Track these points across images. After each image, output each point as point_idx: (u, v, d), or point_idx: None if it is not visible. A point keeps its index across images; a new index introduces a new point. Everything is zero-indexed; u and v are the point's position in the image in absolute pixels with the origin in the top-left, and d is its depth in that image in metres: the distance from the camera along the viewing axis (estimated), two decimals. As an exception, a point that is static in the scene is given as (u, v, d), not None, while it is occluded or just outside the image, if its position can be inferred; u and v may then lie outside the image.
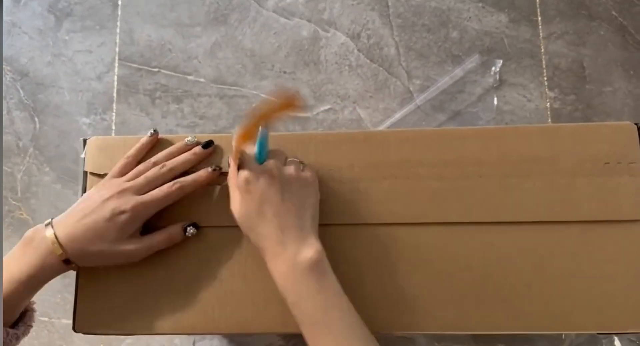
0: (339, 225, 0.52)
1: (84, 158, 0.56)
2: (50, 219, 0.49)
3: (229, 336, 0.86)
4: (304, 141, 0.54)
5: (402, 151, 0.52)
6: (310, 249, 0.45)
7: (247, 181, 0.46)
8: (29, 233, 0.49)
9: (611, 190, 0.51)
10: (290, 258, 0.45)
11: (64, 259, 0.48)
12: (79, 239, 0.48)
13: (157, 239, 0.51)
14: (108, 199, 0.50)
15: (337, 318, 0.44)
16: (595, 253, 0.50)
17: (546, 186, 0.51)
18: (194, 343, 0.86)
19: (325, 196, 0.52)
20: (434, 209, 0.51)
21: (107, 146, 0.56)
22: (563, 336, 0.81)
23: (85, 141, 0.56)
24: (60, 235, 0.48)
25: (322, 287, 0.44)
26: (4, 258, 0.48)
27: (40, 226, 0.49)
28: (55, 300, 0.89)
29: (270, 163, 0.48)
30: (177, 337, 0.87)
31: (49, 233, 0.48)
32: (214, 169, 0.53)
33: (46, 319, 0.89)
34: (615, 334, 0.69)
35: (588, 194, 0.51)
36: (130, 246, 0.50)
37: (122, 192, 0.50)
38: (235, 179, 0.48)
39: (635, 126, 0.52)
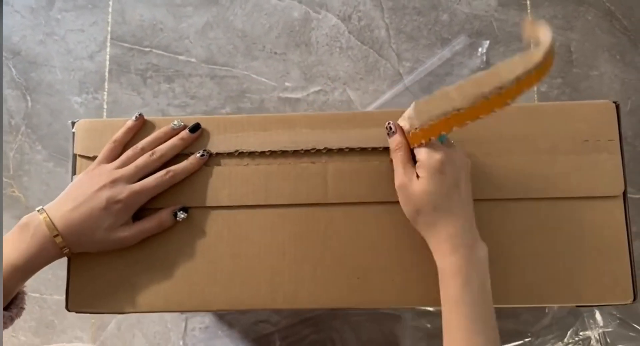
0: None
1: (73, 139, 0.56)
2: (41, 207, 0.50)
3: (219, 315, 0.88)
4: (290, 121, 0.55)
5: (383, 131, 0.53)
6: (483, 245, 0.46)
7: (442, 162, 0.46)
8: (24, 219, 0.49)
9: (590, 167, 0.52)
10: (467, 248, 0.45)
11: (62, 246, 0.49)
12: (75, 227, 0.49)
13: (149, 225, 0.52)
14: (101, 188, 0.50)
15: (489, 319, 0.45)
16: (573, 228, 0.51)
17: (526, 164, 0.52)
18: (185, 319, 0.88)
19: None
20: None
21: (95, 128, 0.56)
22: (546, 310, 0.83)
23: (73, 124, 0.57)
24: (57, 223, 0.49)
25: (485, 286, 0.46)
26: None
27: (35, 213, 0.50)
28: (46, 276, 0.90)
29: (456, 148, 0.48)
30: (168, 313, 0.88)
31: (45, 220, 0.49)
32: (202, 155, 0.54)
33: (38, 295, 0.90)
34: (595, 307, 0.70)
35: (567, 171, 0.52)
36: (123, 233, 0.51)
37: (114, 181, 0.51)
38: (406, 155, 0.48)
39: (614, 105, 0.53)
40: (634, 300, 0.50)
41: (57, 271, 0.89)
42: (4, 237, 0.49)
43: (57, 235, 0.49)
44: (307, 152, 0.53)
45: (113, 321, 0.88)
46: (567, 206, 0.51)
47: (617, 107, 0.53)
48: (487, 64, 0.90)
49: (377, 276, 0.51)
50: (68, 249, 0.50)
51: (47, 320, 0.90)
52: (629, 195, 0.86)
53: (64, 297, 0.53)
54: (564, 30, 0.92)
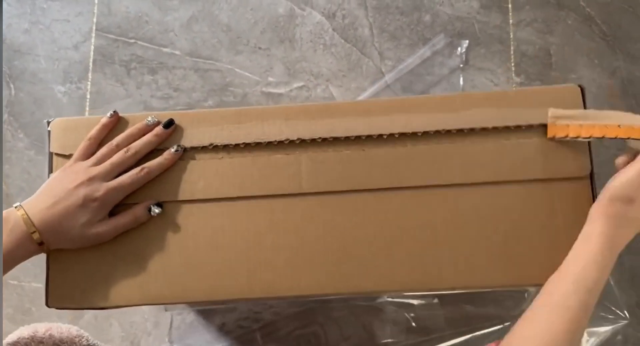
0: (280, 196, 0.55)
1: (49, 138, 0.57)
2: (19, 203, 0.51)
3: (203, 313, 0.89)
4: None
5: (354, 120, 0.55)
6: None
7: None
8: (3, 214, 0.50)
9: (557, 149, 0.53)
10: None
11: (40, 242, 0.50)
12: (52, 224, 0.50)
13: (124, 220, 0.54)
14: (78, 186, 0.52)
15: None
16: (543, 208, 0.53)
17: (495, 148, 0.54)
18: (171, 316, 0.89)
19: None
20: (390, 174, 0.54)
21: (70, 126, 0.57)
22: (526, 295, 0.85)
23: (48, 123, 0.57)
24: (34, 219, 0.50)
25: None
26: None
27: (12, 209, 0.51)
28: (26, 265, 0.90)
29: None
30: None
31: (23, 217, 0.50)
32: (177, 150, 0.55)
33: (16, 282, 0.91)
34: None
35: (535, 154, 0.54)
36: (99, 230, 0.53)
37: (91, 179, 0.52)
38: None
39: (579, 88, 0.54)
40: None
41: (36, 259, 0.90)
42: None
43: (34, 232, 0.50)
44: (280, 144, 0.54)
45: (90, 310, 0.89)
46: (536, 187, 0.53)
47: (582, 90, 0.54)
48: (467, 64, 0.92)
49: (351, 263, 0.53)
50: (45, 246, 0.51)
51: (24, 308, 0.90)
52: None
53: (42, 285, 0.54)
54: (544, 34, 0.93)
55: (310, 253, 0.53)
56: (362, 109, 0.55)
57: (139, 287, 0.54)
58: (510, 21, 0.94)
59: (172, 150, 0.55)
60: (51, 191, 0.52)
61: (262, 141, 0.54)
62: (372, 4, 0.95)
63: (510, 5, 0.94)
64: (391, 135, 0.54)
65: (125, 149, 0.54)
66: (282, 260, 0.53)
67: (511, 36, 0.93)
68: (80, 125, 0.56)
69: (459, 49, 0.91)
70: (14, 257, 0.50)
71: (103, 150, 0.55)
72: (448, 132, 0.54)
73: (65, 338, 0.57)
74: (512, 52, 0.93)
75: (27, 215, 0.50)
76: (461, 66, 0.90)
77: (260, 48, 0.95)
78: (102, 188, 0.52)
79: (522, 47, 0.93)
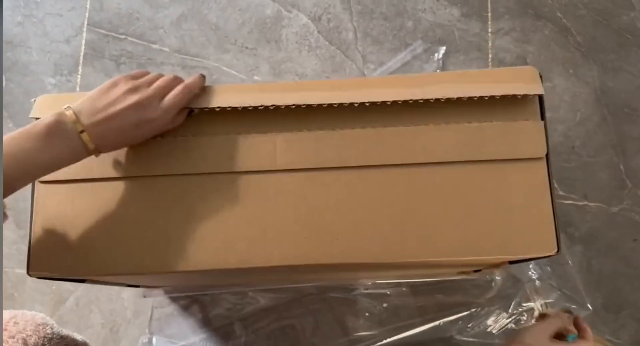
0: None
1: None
2: (70, 108, 0.51)
3: (183, 305, 0.91)
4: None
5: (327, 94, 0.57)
6: None
7: None
8: (52, 122, 0.49)
9: (514, 132, 0.56)
10: None
11: (88, 143, 0.51)
12: (109, 140, 0.52)
13: (176, 96, 0.55)
14: (135, 105, 0.52)
15: None
16: (500, 187, 0.55)
17: (455, 130, 0.56)
18: (152, 308, 0.91)
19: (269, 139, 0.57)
20: (360, 153, 0.57)
21: (54, 100, 0.59)
22: (493, 284, 0.88)
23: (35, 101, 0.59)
24: (91, 132, 0.51)
25: None
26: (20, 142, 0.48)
27: (63, 115, 0.50)
28: (10, 251, 0.93)
29: None
30: (124, 291, 0.91)
31: (79, 128, 0.50)
32: (202, 75, 0.58)
33: (0, 268, 0.93)
34: (527, 261, 0.72)
35: (493, 136, 0.56)
36: (152, 116, 0.53)
37: (147, 99, 0.53)
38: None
39: (537, 70, 0.57)
40: (558, 251, 0.54)
41: (20, 245, 0.92)
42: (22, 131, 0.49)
43: (82, 131, 0.50)
44: (255, 109, 0.56)
45: (72, 297, 0.91)
46: (494, 168, 0.55)
47: (540, 76, 0.57)
48: (445, 69, 0.95)
49: (321, 236, 0.55)
50: (94, 148, 0.52)
51: (7, 293, 0.92)
52: (573, 202, 0.91)
53: (25, 271, 0.56)
54: (522, 43, 0.97)
55: (283, 226, 0.56)
56: (334, 85, 0.58)
57: (120, 258, 0.55)
58: (489, 29, 0.97)
59: (198, 74, 0.58)
60: (105, 99, 0.52)
61: (237, 105, 0.56)
62: (357, 9, 0.98)
63: (489, 14, 0.98)
64: (362, 104, 0.56)
65: (168, 76, 0.57)
66: (255, 233, 0.56)
67: (489, 44, 0.97)
68: (64, 100, 0.57)
69: (436, 55, 0.95)
70: (62, 165, 0.51)
71: (148, 77, 0.56)
72: (414, 114, 0.57)
73: (29, 326, 0.58)
74: (490, 60, 0.96)
75: (83, 126, 0.50)
76: (438, 71, 0.94)
77: (247, 48, 0.98)
78: (158, 110, 0.53)
79: (499, 55, 0.96)
